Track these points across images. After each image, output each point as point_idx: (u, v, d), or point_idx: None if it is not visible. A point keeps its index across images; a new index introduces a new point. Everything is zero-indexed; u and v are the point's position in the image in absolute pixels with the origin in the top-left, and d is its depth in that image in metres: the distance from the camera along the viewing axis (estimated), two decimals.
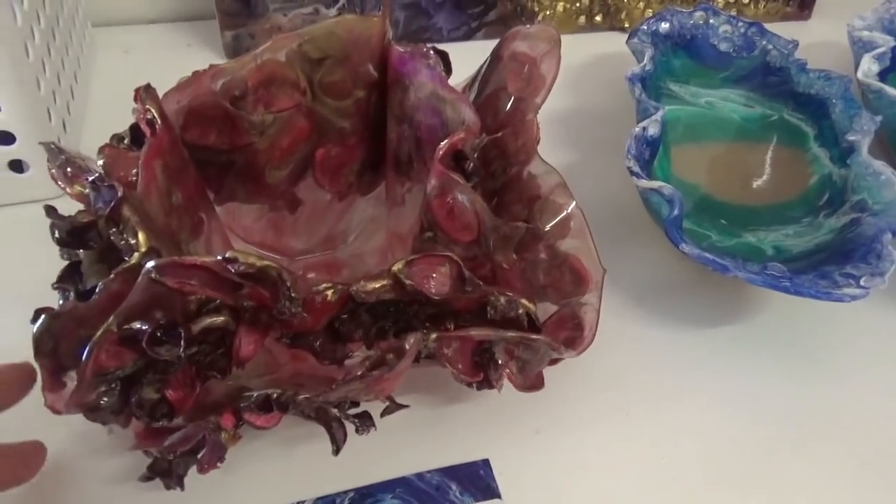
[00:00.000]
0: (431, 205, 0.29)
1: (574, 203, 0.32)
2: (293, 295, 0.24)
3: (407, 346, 0.25)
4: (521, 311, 0.27)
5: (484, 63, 0.36)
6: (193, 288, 0.23)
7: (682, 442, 0.29)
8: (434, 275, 0.25)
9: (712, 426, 0.30)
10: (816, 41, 0.56)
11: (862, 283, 0.29)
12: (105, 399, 0.23)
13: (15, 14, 0.32)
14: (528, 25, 0.34)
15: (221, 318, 0.24)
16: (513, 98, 0.34)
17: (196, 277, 0.23)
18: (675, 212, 0.32)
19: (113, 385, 0.24)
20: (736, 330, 0.34)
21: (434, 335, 0.26)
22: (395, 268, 0.25)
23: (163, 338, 0.23)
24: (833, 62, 0.51)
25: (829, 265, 0.31)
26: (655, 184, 0.33)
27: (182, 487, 0.25)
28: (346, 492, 0.26)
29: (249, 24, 0.49)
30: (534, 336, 0.28)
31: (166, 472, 0.25)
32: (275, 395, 0.25)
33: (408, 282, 0.25)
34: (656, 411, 0.30)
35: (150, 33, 0.53)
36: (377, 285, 0.25)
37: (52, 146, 0.27)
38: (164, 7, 0.54)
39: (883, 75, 0.48)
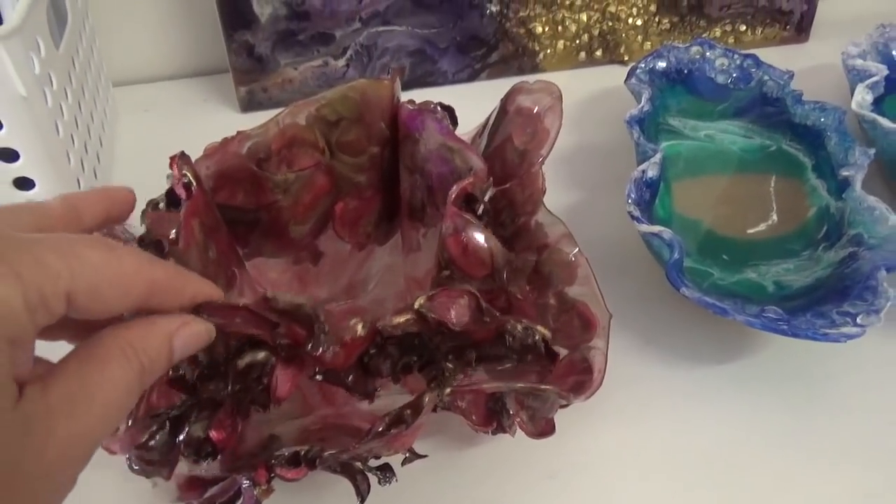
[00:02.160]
0: (447, 244, 0.30)
1: (579, 251, 0.33)
2: (326, 329, 0.26)
3: (424, 403, 0.27)
4: (537, 336, 0.29)
5: (491, 115, 0.37)
6: (238, 327, 0.25)
7: (696, 479, 0.30)
8: (453, 306, 0.27)
9: (724, 462, 0.31)
10: (815, 64, 0.58)
11: (858, 321, 0.30)
12: (156, 438, 0.26)
13: (46, 97, 0.35)
14: (532, 81, 0.36)
15: (263, 354, 0.26)
16: (519, 150, 0.36)
17: (239, 316, 0.25)
18: (675, 255, 0.33)
19: (163, 425, 0.26)
20: (742, 366, 0.35)
21: (448, 389, 0.28)
22: (416, 303, 0.27)
23: (209, 375, 0.26)
24: (831, 86, 0.52)
25: (827, 303, 0.32)
26: (656, 228, 0.34)
27: None
28: None
29: (262, 80, 0.51)
30: (542, 386, 0.29)
31: None
32: (303, 452, 0.27)
33: (430, 315, 0.27)
34: (669, 449, 0.31)
35: (169, 90, 0.55)
36: (402, 319, 0.27)
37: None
38: (180, 64, 0.56)
39: (880, 100, 0.49)
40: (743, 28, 0.59)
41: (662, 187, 0.42)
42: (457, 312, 0.27)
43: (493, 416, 0.30)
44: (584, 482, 0.30)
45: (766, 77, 0.47)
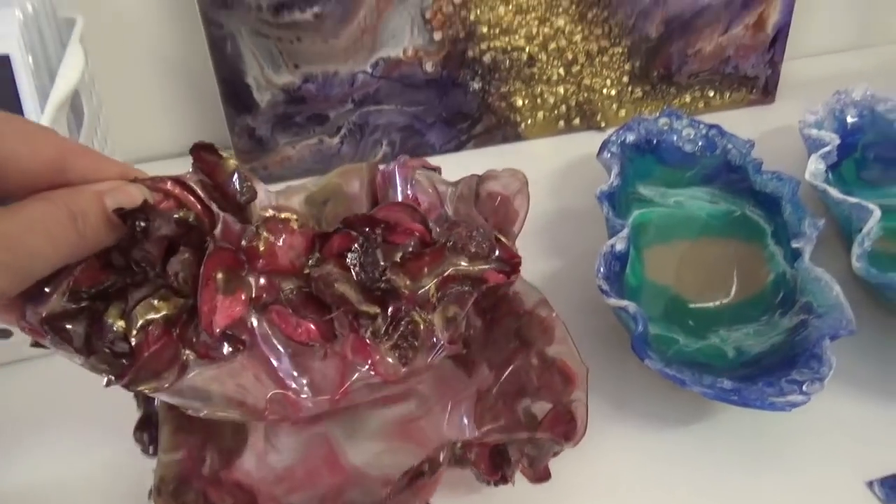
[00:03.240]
0: None
1: (555, 314, 0.37)
2: (248, 184, 0.28)
3: (441, 456, 0.30)
4: (488, 239, 0.32)
5: (456, 195, 0.41)
6: (170, 192, 0.27)
7: None
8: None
9: None
10: (781, 125, 0.61)
11: (804, 388, 0.33)
12: (72, 323, 0.25)
13: None
14: (500, 169, 0.40)
15: (186, 214, 0.27)
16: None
17: (171, 183, 0.27)
18: (640, 328, 0.36)
19: (82, 305, 0.25)
20: (706, 428, 0.38)
21: (459, 443, 0.31)
22: None
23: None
24: (794, 149, 0.55)
25: (779, 370, 0.35)
26: (622, 303, 0.37)
27: None
28: None
29: (262, 158, 0.55)
30: (539, 435, 0.33)
31: None
32: None
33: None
34: (641, 499, 0.34)
35: (176, 168, 0.59)
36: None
37: None
38: (186, 145, 0.60)
39: (838, 164, 0.52)
40: (711, 93, 0.62)
41: (634, 255, 0.46)
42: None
43: (498, 467, 0.33)
44: None
45: (729, 145, 0.51)
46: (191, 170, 0.29)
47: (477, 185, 0.40)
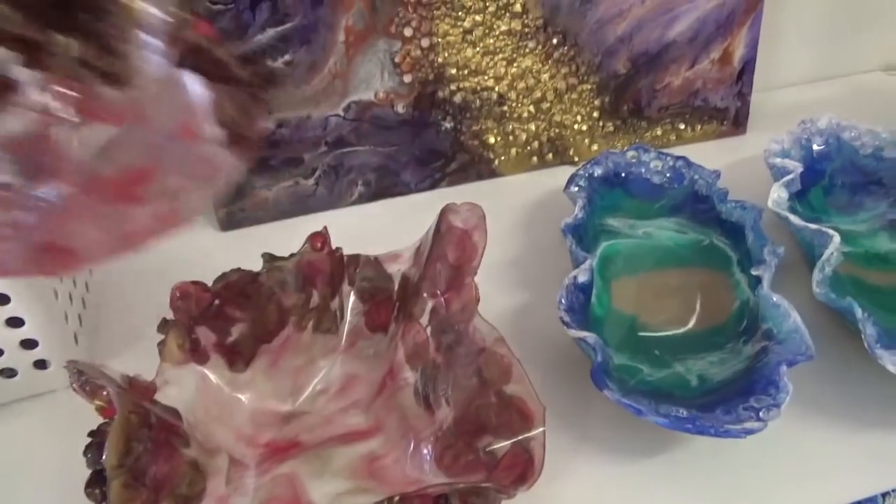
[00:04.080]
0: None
1: (511, 354, 0.37)
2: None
3: None
4: None
5: (428, 231, 0.42)
6: None
7: None
8: None
9: None
10: (753, 155, 0.62)
11: (761, 415, 0.33)
12: None
13: None
14: (459, 203, 0.40)
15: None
16: (453, 266, 0.40)
17: None
18: (599, 359, 0.36)
19: None
20: (668, 460, 0.37)
21: (397, 497, 0.31)
22: None
23: None
24: (763, 178, 0.56)
25: (737, 398, 0.35)
26: (581, 334, 0.37)
27: None
28: None
29: (239, 202, 0.56)
30: (483, 484, 0.32)
31: None
32: None
33: None
34: None
35: None
36: None
37: (73, 368, 0.33)
38: None
39: (806, 191, 0.53)
40: (682, 126, 0.63)
41: (601, 286, 0.46)
42: None
43: None
44: None
45: (696, 176, 0.52)
46: None
47: (439, 219, 0.41)
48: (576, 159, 0.62)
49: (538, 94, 0.59)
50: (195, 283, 0.39)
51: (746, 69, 0.62)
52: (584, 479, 0.37)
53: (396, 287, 0.43)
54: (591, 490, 0.36)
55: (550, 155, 0.62)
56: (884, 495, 0.36)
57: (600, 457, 0.38)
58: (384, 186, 0.59)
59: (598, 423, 0.40)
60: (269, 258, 0.40)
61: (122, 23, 0.23)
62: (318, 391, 0.42)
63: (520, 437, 0.35)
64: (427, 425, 0.38)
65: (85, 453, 0.31)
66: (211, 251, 0.56)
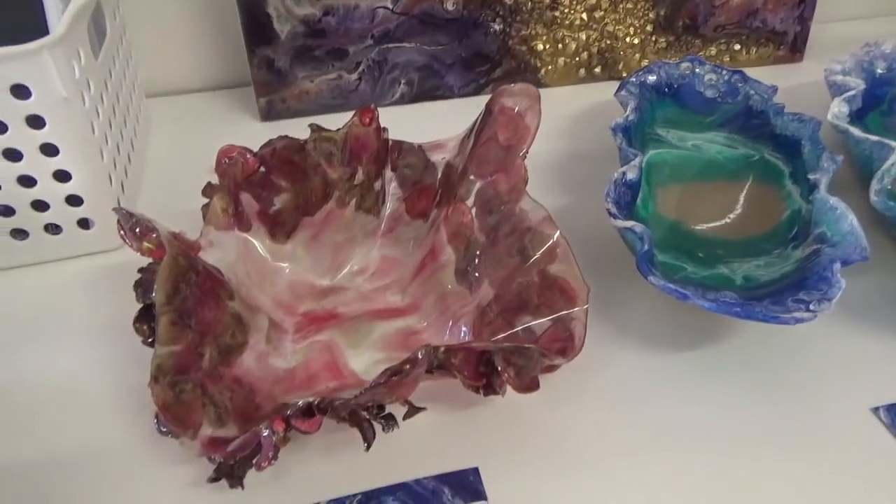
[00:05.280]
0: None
1: (559, 232, 0.37)
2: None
3: (419, 356, 0.30)
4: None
5: (478, 116, 0.41)
6: None
7: (657, 449, 0.33)
8: None
9: (690, 436, 0.33)
10: (807, 82, 0.60)
11: (811, 307, 0.32)
12: None
13: (84, 100, 0.39)
14: (513, 84, 0.39)
15: None
16: (503, 146, 0.39)
17: None
18: (645, 247, 0.36)
19: None
20: (710, 353, 0.37)
21: (442, 348, 0.31)
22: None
23: None
24: (818, 102, 0.54)
25: (787, 292, 0.34)
26: (628, 223, 0.37)
27: (243, 487, 0.30)
28: (354, 495, 0.30)
29: (281, 91, 0.56)
30: (526, 345, 0.32)
31: (229, 474, 0.30)
32: (315, 402, 0.30)
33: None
34: (642, 427, 0.34)
35: (196, 101, 0.60)
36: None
37: (123, 211, 0.33)
38: (207, 77, 0.61)
39: (864, 114, 0.51)
40: (737, 47, 0.61)
41: (647, 191, 0.45)
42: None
43: (484, 374, 0.33)
44: (551, 450, 0.33)
45: (752, 91, 0.50)
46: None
47: (490, 100, 0.40)
48: (624, 75, 0.60)
49: (592, 0, 0.57)
50: (243, 148, 0.38)
51: None
52: (624, 366, 0.37)
53: (440, 175, 0.42)
54: (631, 377, 0.36)
55: (598, 68, 0.60)
56: None
57: (641, 345, 0.38)
58: (427, 88, 0.58)
59: (639, 315, 0.39)
60: (317, 128, 0.40)
61: None
62: (356, 270, 0.42)
63: (561, 314, 0.35)
64: (466, 304, 0.38)
65: (135, 288, 0.32)
66: (249, 141, 0.56)
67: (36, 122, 0.38)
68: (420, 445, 0.33)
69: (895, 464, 0.32)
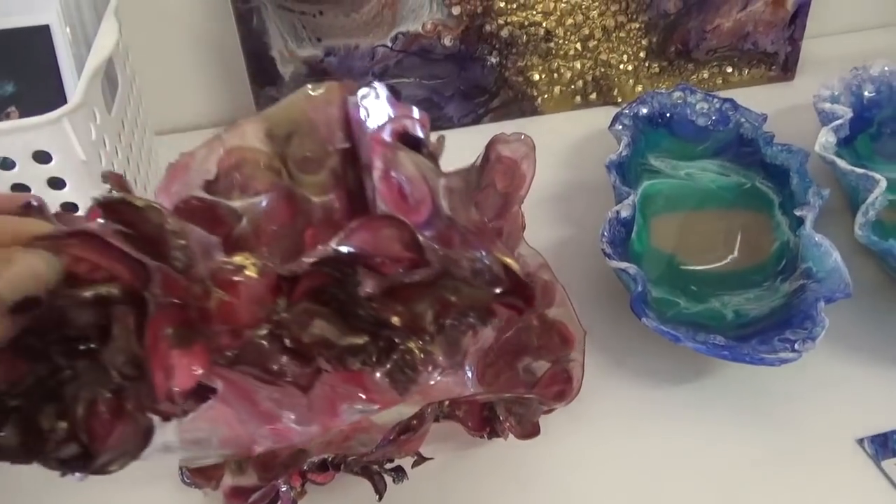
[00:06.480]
0: (381, 192, 0.27)
1: (554, 277, 0.38)
2: (181, 243, 0.22)
3: (426, 413, 0.32)
4: (494, 266, 0.26)
5: (475, 162, 0.42)
6: (83, 252, 0.21)
7: (651, 478, 0.35)
8: (377, 236, 0.24)
9: (684, 468, 0.35)
10: (800, 102, 0.61)
11: (796, 346, 0.34)
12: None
13: (101, 158, 0.41)
14: (509, 134, 0.41)
15: (105, 290, 0.21)
16: (501, 193, 0.41)
17: (79, 241, 0.21)
18: (639, 288, 0.37)
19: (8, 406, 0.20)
20: (700, 387, 0.39)
21: (447, 401, 0.33)
22: (332, 243, 0.23)
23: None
24: (811, 125, 0.56)
25: (774, 330, 0.36)
26: (623, 265, 0.38)
27: None
28: None
29: None
30: (526, 395, 0.34)
31: None
32: (330, 459, 0.32)
33: (345, 249, 0.23)
34: (635, 456, 0.36)
35: (203, 138, 0.61)
36: (311, 260, 0.23)
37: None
38: (214, 115, 0.63)
39: (853, 138, 0.52)
40: (730, 69, 0.63)
41: (641, 223, 0.47)
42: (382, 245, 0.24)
43: (487, 422, 0.35)
44: (566, 480, 0.35)
45: (742, 119, 0.52)
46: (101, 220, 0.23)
47: (488, 147, 0.41)
48: (619, 100, 0.62)
49: (586, 31, 0.58)
50: None
51: (800, 13, 0.61)
52: (618, 401, 0.39)
53: None
54: (625, 411, 0.38)
55: (594, 94, 0.62)
56: None
57: (635, 381, 0.39)
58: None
59: (633, 352, 0.41)
60: None
61: None
62: None
63: (559, 357, 0.37)
64: (469, 346, 0.39)
65: None
66: None
67: (57, 184, 0.40)
68: (430, 489, 0.35)
69: (879, 495, 0.33)
